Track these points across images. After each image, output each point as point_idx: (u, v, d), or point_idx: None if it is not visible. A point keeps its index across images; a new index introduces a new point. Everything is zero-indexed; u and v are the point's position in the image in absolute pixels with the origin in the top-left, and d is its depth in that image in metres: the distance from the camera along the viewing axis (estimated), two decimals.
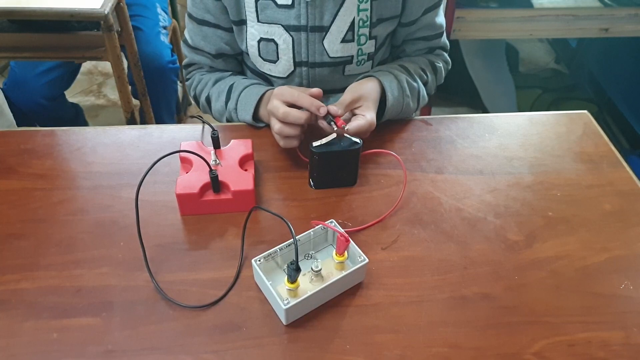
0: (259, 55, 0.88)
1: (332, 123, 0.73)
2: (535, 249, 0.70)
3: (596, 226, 0.74)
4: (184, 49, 0.94)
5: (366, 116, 0.77)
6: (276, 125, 0.75)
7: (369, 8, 0.83)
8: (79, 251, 0.67)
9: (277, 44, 0.86)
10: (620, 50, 2.04)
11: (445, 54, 0.97)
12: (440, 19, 0.92)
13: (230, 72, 0.93)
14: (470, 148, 0.86)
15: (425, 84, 0.90)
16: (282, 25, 0.84)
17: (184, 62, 0.96)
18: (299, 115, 0.73)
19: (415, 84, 0.87)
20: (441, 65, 0.94)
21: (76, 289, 0.63)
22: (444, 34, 0.95)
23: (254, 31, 0.86)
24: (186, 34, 0.92)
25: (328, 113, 0.74)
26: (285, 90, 0.75)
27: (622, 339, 0.61)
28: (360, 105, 0.79)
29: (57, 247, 0.67)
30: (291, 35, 0.84)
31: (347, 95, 0.78)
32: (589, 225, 0.74)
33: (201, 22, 0.88)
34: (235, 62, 0.95)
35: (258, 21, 0.84)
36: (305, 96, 0.74)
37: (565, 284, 0.66)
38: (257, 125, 0.86)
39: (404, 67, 0.88)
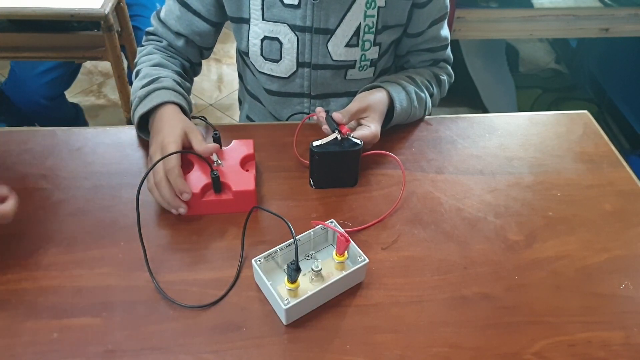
0: (261, 54, 0.88)
1: (337, 130, 0.73)
2: (535, 249, 0.70)
3: (596, 226, 0.74)
4: (153, 19, 0.91)
5: (371, 127, 0.77)
6: (150, 180, 0.70)
7: (376, 15, 0.83)
8: (79, 251, 0.67)
9: (281, 43, 0.85)
10: (620, 50, 2.04)
11: (449, 67, 0.97)
12: (446, 31, 0.92)
13: (175, 68, 0.87)
14: (471, 148, 0.86)
15: (431, 95, 0.91)
16: (288, 25, 0.84)
17: (148, 29, 0.92)
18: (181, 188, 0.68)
19: (422, 94, 0.88)
20: (445, 78, 0.95)
21: (76, 289, 0.63)
22: (449, 46, 0.95)
23: (258, 29, 0.85)
24: (164, 7, 0.89)
25: (332, 120, 0.74)
26: (168, 150, 0.70)
27: (622, 339, 0.61)
28: (367, 115, 0.79)
29: (57, 247, 0.67)
30: (296, 35, 0.84)
31: (355, 104, 0.78)
32: (589, 225, 0.74)
33: (182, 3, 0.86)
34: (196, 51, 0.92)
35: (263, 19, 0.84)
36: (173, 174, 0.68)
37: (565, 284, 0.66)
38: (140, 134, 0.81)
39: (411, 77, 0.89)
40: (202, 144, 0.72)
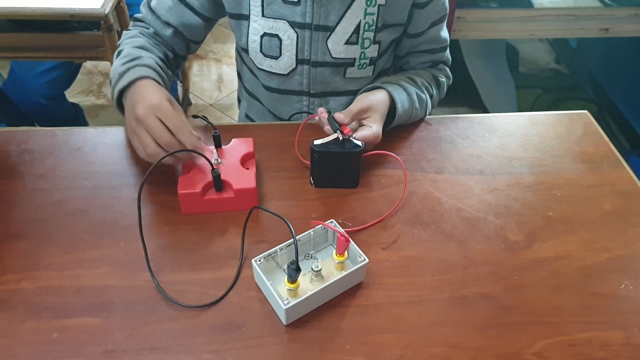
0: (260, 50, 0.88)
1: (338, 130, 0.73)
2: (535, 249, 0.70)
3: (596, 226, 0.74)
4: (143, 6, 0.90)
5: (372, 128, 0.77)
6: (151, 146, 0.68)
7: (376, 12, 0.83)
8: (79, 251, 0.67)
9: (281, 40, 0.85)
10: (620, 50, 2.04)
11: (448, 69, 0.97)
12: (445, 33, 0.92)
13: (158, 54, 0.85)
14: (470, 148, 0.86)
15: (430, 97, 0.91)
16: (288, 21, 0.84)
17: (136, 15, 0.91)
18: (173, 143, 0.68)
19: (423, 96, 0.88)
20: (444, 80, 0.95)
21: (76, 289, 0.63)
22: (448, 48, 0.95)
23: (258, 26, 0.85)
24: None
25: (334, 120, 0.74)
26: (167, 111, 0.68)
27: (622, 339, 0.61)
28: (369, 116, 0.79)
29: (57, 247, 0.67)
30: (296, 32, 0.84)
31: (356, 105, 0.78)
32: (589, 225, 0.74)
33: None
34: (183, 43, 0.91)
35: (263, 16, 0.84)
36: (186, 132, 0.68)
37: (565, 284, 0.66)
38: (119, 110, 0.79)
39: (412, 79, 0.89)
40: (185, 134, 0.69)
